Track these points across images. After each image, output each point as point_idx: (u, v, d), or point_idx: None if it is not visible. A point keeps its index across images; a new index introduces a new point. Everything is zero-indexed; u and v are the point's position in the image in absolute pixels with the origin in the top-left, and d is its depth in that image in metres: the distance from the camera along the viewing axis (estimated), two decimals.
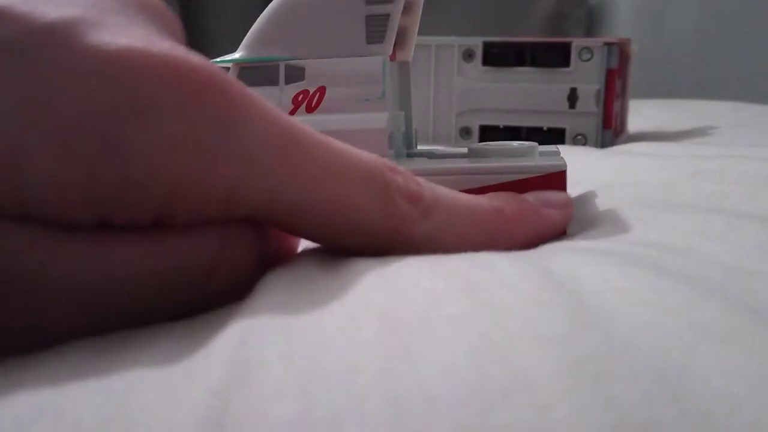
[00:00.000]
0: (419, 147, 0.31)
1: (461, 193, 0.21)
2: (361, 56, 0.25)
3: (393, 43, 0.25)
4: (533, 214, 0.22)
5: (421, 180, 0.20)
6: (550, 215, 0.23)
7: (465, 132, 0.54)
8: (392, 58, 0.28)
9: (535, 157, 0.26)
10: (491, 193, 0.22)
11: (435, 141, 0.54)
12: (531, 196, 0.23)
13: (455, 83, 0.53)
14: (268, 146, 0.17)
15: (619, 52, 0.50)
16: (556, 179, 0.24)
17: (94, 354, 0.15)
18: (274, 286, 0.17)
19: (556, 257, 0.19)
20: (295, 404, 0.12)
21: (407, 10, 0.28)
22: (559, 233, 0.23)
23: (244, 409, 0.12)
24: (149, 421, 0.12)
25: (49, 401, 0.13)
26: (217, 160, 0.16)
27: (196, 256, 0.17)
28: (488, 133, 0.53)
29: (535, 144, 0.27)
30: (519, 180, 0.24)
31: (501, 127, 0.52)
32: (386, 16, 0.25)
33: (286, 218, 0.18)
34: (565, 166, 0.24)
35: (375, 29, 0.25)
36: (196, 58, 0.16)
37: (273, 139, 0.17)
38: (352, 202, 0.18)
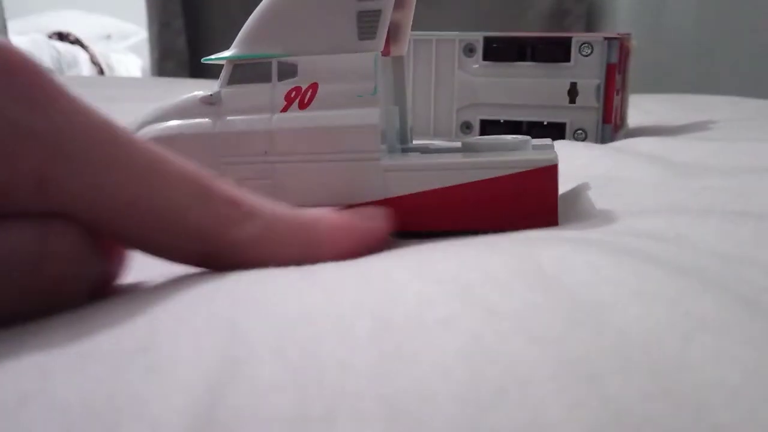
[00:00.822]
0: (415, 142, 0.31)
1: (280, 203, 0.21)
2: (354, 52, 0.25)
3: (385, 38, 0.25)
4: (351, 226, 0.22)
5: (241, 189, 0.20)
6: (368, 226, 0.23)
7: (466, 127, 0.54)
8: (386, 53, 0.28)
9: (528, 150, 0.26)
10: (312, 209, 0.22)
11: (436, 135, 0.54)
12: (351, 211, 0.23)
13: (456, 78, 0.53)
14: (83, 138, 0.17)
15: (620, 47, 0.50)
16: (548, 173, 0.24)
17: (75, 335, 0.15)
18: (260, 282, 0.17)
19: (547, 249, 0.19)
20: (289, 400, 0.12)
21: (400, 5, 0.28)
22: (378, 244, 0.23)
23: (237, 405, 0.12)
24: (140, 412, 0.12)
25: (35, 387, 0.13)
26: (23, 140, 0.16)
27: (17, 247, 0.16)
28: (489, 127, 0.53)
29: (528, 138, 0.27)
30: (511, 174, 0.24)
31: (501, 121, 0.52)
32: (378, 12, 0.25)
33: (103, 218, 0.17)
34: (557, 159, 0.24)
35: (367, 25, 0.25)
36: (14, 46, 0.17)
37: (88, 131, 0.17)
38: (172, 203, 0.18)
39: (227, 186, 0.19)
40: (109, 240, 0.19)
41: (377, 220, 0.23)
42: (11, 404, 0.12)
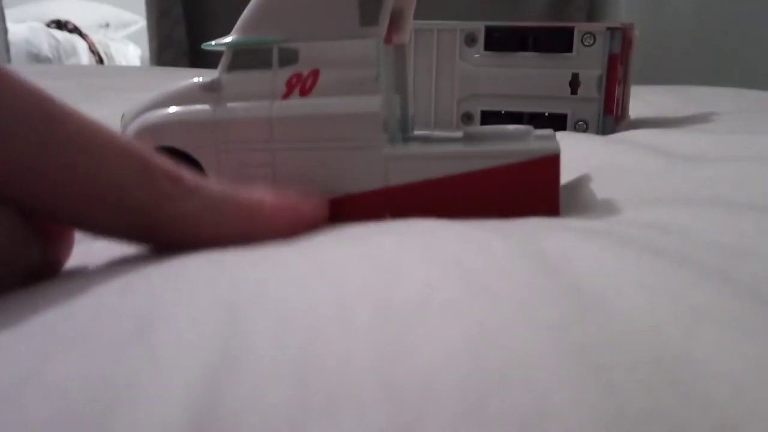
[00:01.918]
0: (415, 132, 0.31)
1: (221, 182, 0.21)
2: (355, 39, 0.25)
3: (387, 25, 0.25)
4: (291, 207, 0.23)
5: (180, 166, 0.20)
6: (306, 208, 0.23)
7: (467, 117, 0.53)
8: (388, 41, 0.28)
9: (530, 140, 0.26)
10: (252, 189, 0.22)
11: (437, 126, 0.54)
12: (289, 192, 0.24)
13: (457, 68, 0.53)
14: (14, 109, 0.17)
15: (622, 38, 0.50)
16: (550, 162, 0.24)
17: (74, 316, 0.15)
18: (261, 266, 0.17)
19: (550, 238, 0.19)
20: (289, 390, 0.12)
21: None
22: (317, 224, 0.23)
23: (237, 394, 0.12)
24: (138, 398, 0.12)
25: (33, 369, 0.13)
26: None
27: None
28: (490, 118, 0.53)
29: (530, 127, 0.26)
30: (512, 164, 0.24)
31: (503, 112, 0.52)
32: None
33: (38, 197, 0.17)
34: (559, 149, 0.24)
35: (368, 11, 0.25)
36: None
37: (21, 103, 0.17)
38: (112, 179, 0.18)
39: (168, 163, 0.19)
40: (49, 221, 0.19)
41: (316, 204, 0.24)
42: (9, 386, 0.12)
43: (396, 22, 0.28)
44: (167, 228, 0.19)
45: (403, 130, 0.29)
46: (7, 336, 0.14)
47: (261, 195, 0.22)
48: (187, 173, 0.20)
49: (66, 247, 0.20)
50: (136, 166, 0.18)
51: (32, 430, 0.12)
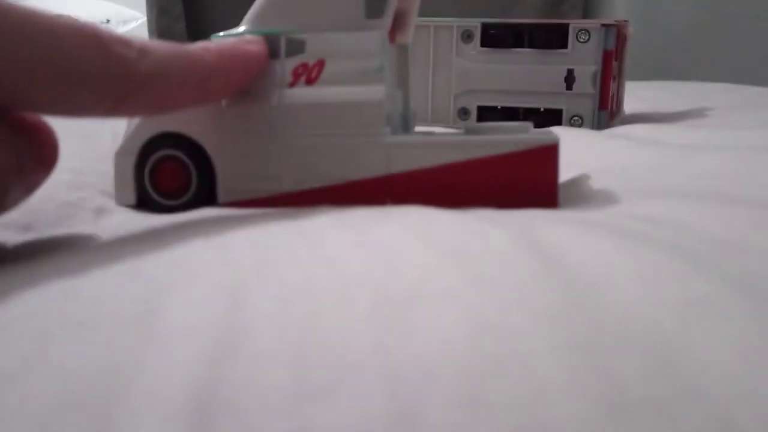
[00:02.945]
0: (417, 129, 0.31)
1: (162, 42, 0.22)
2: (360, 30, 0.25)
3: (392, 18, 0.25)
4: (234, 53, 0.24)
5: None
6: (249, 50, 0.24)
7: (463, 113, 0.54)
8: (392, 40, 0.28)
9: (530, 133, 0.26)
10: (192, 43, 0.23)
11: (433, 122, 0.54)
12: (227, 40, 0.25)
13: (454, 64, 0.53)
14: None
15: (616, 34, 0.50)
16: (549, 153, 0.24)
17: (75, 298, 0.15)
18: (262, 250, 0.17)
19: (548, 228, 0.19)
20: (288, 374, 0.12)
21: None
22: (260, 67, 0.25)
23: (238, 379, 0.12)
24: (140, 382, 0.12)
25: (35, 352, 0.13)
26: None
27: None
28: (486, 113, 0.53)
29: (529, 123, 0.27)
30: (512, 153, 0.24)
31: (499, 108, 0.52)
32: None
33: (7, 88, 0.18)
34: (558, 140, 0.24)
35: (374, 4, 0.25)
36: None
37: None
38: (69, 51, 0.18)
39: (112, 29, 0.20)
40: (15, 113, 0.19)
41: (256, 44, 0.25)
42: (11, 369, 0.12)
43: (399, 22, 0.29)
44: (126, 92, 0.19)
45: (404, 128, 0.30)
46: (8, 317, 0.14)
47: (202, 44, 0.23)
48: (133, 37, 0.20)
49: (48, 139, 0.20)
50: (88, 36, 0.19)
51: (34, 416, 0.12)
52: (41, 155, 0.20)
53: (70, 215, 0.27)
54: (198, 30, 1.57)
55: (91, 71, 0.19)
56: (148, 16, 1.66)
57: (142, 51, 0.20)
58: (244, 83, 0.24)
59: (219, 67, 0.22)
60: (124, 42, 0.20)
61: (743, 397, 0.12)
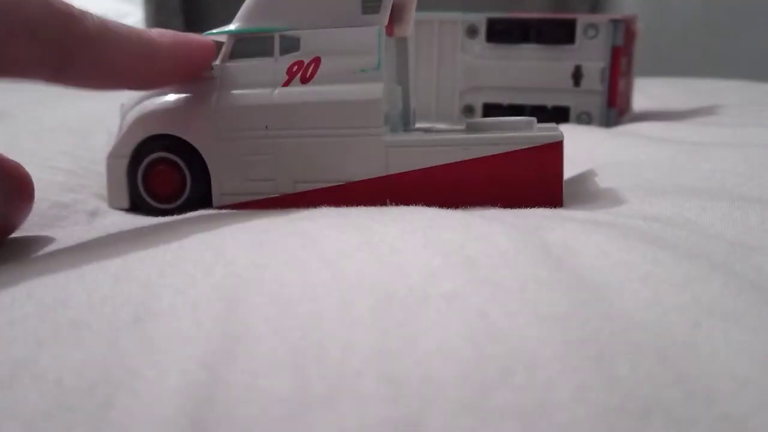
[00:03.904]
0: (418, 125, 0.31)
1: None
2: (357, 26, 0.25)
3: (389, 13, 0.25)
4: (185, 41, 0.24)
5: None
6: (198, 40, 0.25)
7: (468, 110, 0.53)
8: (390, 33, 0.28)
9: (533, 130, 0.26)
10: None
11: (438, 119, 0.53)
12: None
13: (458, 60, 0.53)
14: None
15: (625, 30, 0.49)
16: (553, 150, 0.24)
17: (69, 300, 0.15)
18: (261, 252, 0.17)
19: (554, 228, 0.18)
20: (289, 379, 0.12)
21: None
22: (208, 57, 0.25)
23: (234, 383, 0.12)
24: (135, 387, 0.12)
25: (28, 357, 0.13)
26: None
27: None
28: (492, 111, 0.52)
29: (532, 119, 0.26)
30: (515, 151, 0.24)
31: (505, 105, 0.52)
32: None
33: None
34: (562, 137, 0.24)
35: None
36: None
37: None
38: (21, 13, 0.19)
39: None
40: None
41: (202, 38, 0.25)
42: (4, 374, 0.12)
43: (398, 14, 0.28)
44: (72, 47, 0.20)
45: (404, 123, 0.29)
46: (3, 319, 0.14)
47: (156, 32, 0.23)
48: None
49: (24, 175, 0.22)
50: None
51: (28, 422, 0.11)
52: (22, 191, 0.22)
53: (63, 217, 0.27)
54: (196, 25, 1.57)
55: (39, 29, 0.19)
56: (144, 11, 1.66)
57: (85, 11, 0.21)
58: (191, 70, 0.25)
59: (165, 47, 0.23)
60: (70, 4, 0.20)
61: (755, 400, 0.11)
